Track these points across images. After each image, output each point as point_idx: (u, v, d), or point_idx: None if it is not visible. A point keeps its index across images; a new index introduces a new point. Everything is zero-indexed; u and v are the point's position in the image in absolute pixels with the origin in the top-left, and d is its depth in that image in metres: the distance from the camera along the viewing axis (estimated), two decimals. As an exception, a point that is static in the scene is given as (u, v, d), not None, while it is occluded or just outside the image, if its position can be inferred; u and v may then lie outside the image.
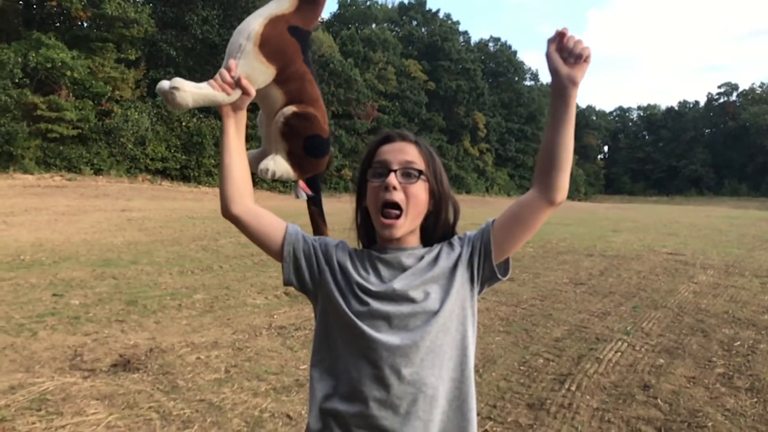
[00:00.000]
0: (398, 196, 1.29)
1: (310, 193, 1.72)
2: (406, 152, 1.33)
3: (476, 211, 25.76)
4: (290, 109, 1.56)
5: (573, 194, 73.88)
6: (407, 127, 49.15)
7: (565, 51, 1.21)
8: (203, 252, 10.35)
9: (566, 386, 4.29)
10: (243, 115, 1.40)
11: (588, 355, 5.11)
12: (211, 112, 32.97)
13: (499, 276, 1.36)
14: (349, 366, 1.27)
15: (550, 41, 1.23)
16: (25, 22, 27.96)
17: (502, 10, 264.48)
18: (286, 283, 1.39)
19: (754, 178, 79.48)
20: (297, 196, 1.71)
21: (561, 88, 1.24)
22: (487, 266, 1.34)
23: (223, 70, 1.32)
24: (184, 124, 30.98)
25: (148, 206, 19.22)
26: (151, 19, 30.51)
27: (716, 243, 16.13)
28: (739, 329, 6.21)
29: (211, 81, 1.31)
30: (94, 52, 28.08)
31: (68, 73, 25.25)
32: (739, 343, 5.67)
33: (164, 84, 1.30)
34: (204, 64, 32.94)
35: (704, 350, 5.38)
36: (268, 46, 1.43)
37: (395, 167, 1.30)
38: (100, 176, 26.04)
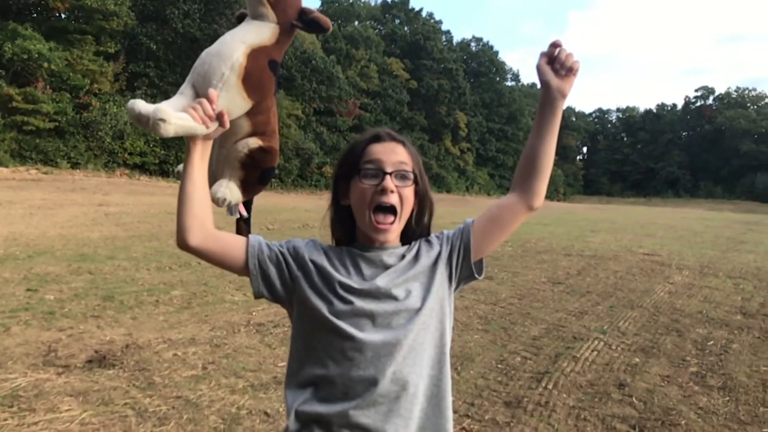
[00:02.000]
0: (394, 199, 1.28)
1: (245, 214, 1.69)
2: (397, 153, 1.31)
3: (456, 210, 25.84)
4: (256, 142, 1.50)
5: (552, 194, 74.48)
6: (389, 126, 48.92)
7: (557, 63, 1.27)
8: (181, 248, 10.24)
9: (543, 384, 4.33)
10: (210, 143, 1.34)
11: (565, 353, 5.16)
12: (191, 106, 32.69)
13: (476, 275, 1.38)
14: (330, 369, 1.25)
15: (542, 54, 1.28)
16: (1, 12, 27.40)
17: (484, 10, 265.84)
18: (257, 295, 1.34)
19: (729, 181, 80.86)
20: (231, 214, 1.65)
21: (550, 100, 1.30)
22: (465, 265, 1.36)
23: (204, 102, 1.25)
24: (163, 118, 30.61)
25: (126, 201, 18.99)
26: (131, 12, 30.11)
27: (692, 244, 16.38)
28: (713, 329, 6.31)
29: (191, 111, 1.24)
30: (72, 44, 27.67)
31: (45, 65, 24.84)
32: (712, 342, 5.76)
33: (146, 108, 1.22)
34: (185, 58, 32.59)
35: (678, 349, 5.46)
36: (250, 80, 1.36)
37: (389, 169, 1.28)
38: (77, 170, 25.65)
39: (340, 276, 1.29)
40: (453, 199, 44.60)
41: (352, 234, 1.38)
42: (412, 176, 1.32)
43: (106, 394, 3.72)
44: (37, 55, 24.29)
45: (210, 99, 1.25)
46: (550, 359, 4.98)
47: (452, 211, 24.83)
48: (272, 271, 1.33)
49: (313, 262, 1.32)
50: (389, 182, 1.27)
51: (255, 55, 1.36)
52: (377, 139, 1.34)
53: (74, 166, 25.86)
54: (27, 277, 7.03)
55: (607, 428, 3.63)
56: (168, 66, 32.36)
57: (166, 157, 30.67)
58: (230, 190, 1.49)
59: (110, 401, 3.62)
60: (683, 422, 3.75)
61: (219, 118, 1.27)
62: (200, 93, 1.29)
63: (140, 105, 1.23)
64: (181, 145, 30.68)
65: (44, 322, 5.25)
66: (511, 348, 5.26)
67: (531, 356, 5.05)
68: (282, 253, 1.34)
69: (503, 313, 6.64)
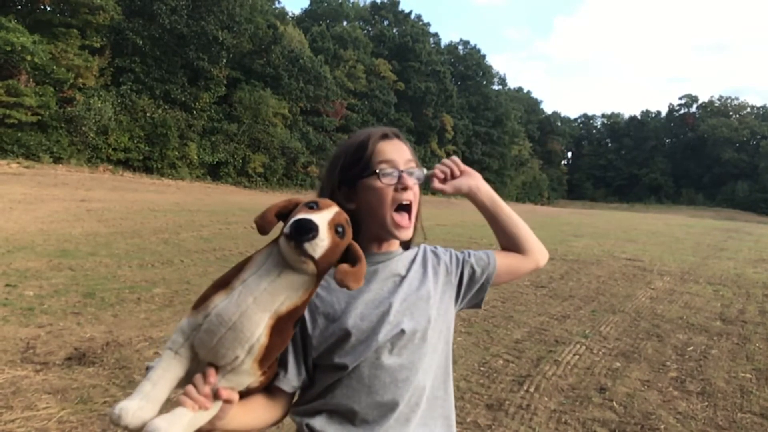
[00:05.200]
0: (412, 197, 1.26)
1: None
2: (405, 151, 1.29)
3: (441, 213, 25.94)
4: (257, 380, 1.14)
5: (536, 198, 75.02)
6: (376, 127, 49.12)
7: (447, 177, 1.38)
8: (164, 245, 10.18)
9: (525, 387, 4.35)
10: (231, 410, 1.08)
11: (547, 357, 5.19)
12: (177, 103, 32.47)
13: (480, 305, 1.43)
14: (347, 399, 1.20)
15: (431, 181, 1.38)
16: (-16, 3, 27.09)
17: (471, 14, 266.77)
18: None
19: (710, 189, 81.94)
20: None
21: (473, 199, 1.43)
22: (478, 296, 1.40)
23: (200, 381, 1.01)
24: (148, 114, 30.44)
25: (109, 197, 18.81)
26: (118, 7, 29.89)
27: (673, 250, 16.54)
28: (692, 335, 6.37)
29: (184, 398, 0.99)
30: (57, 38, 27.37)
31: (28, 57, 24.53)
32: (692, 348, 5.82)
33: (134, 423, 0.95)
34: (171, 54, 32.38)
35: (659, 354, 5.51)
36: (269, 358, 1.07)
37: (403, 167, 1.26)
38: (60, 165, 25.39)
39: (349, 312, 1.21)
40: (438, 201, 44.67)
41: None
42: (420, 176, 1.30)
43: (85, 392, 3.67)
44: (20, 48, 23.98)
45: (207, 376, 1.02)
46: (532, 363, 5.01)
47: (437, 214, 24.90)
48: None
49: (314, 317, 1.22)
50: (408, 180, 1.24)
51: (281, 325, 1.05)
52: (386, 137, 1.29)
53: (56, 160, 25.59)
54: (6, 272, 6.94)
55: (587, 432, 3.66)
56: (154, 62, 32.11)
57: (150, 154, 30.48)
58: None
59: (89, 399, 3.58)
60: (662, 427, 3.79)
61: (217, 395, 1.02)
62: (201, 357, 1.04)
63: (128, 418, 0.94)
64: (165, 142, 30.46)
65: (23, 319, 5.18)
66: (493, 351, 5.28)
67: (513, 359, 5.07)
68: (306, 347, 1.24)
69: (486, 315, 6.66)
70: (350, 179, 1.26)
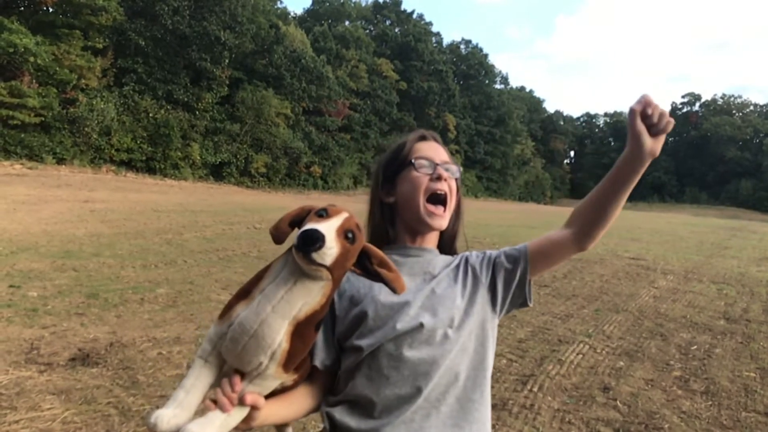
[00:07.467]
0: (446, 188, 1.31)
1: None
2: (442, 152, 1.36)
3: (444, 212, 25.82)
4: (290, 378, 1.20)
5: (539, 197, 74.94)
6: (378, 126, 49.28)
7: (650, 123, 1.17)
8: (167, 246, 10.19)
9: (528, 387, 4.34)
10: (267, 410, 1.12)
11: (550, 356, 5.18)
12: (180, 103, 32.50)
13: (528, 302, 1.36)
14: (366, 389, 1.22)
15: (634, 110, 1.16)
16: (-13, 5, 27.15)
17: (472, 12, 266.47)
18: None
19: (714, 187, 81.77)
20: None
21: (639, 159, 1.19)
22: (518, 293, 1.34)
23: (226, 386, 1.05)
24: (151, 115, 30.48)
25: (112, 198, 18.83)
26: (120, 7, 29.92)
27: (676, 249, 16.51)
28: (696, 334, 6.36)
29: (211, 404, 1.04)
30: (60, 39, 27.42)
31: (31, 59, 24.57)
32: (695, 347, 5.81)
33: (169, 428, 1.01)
34: (173, 55, 32.42)
35: (662, 354, 5.50)
36: (292, 362, 1.10)
37: (438, 162, 1.33)
38: (63, 165, 25.43)
39: (371, 296, 1.26)
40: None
41: (388, 235, 1.37)
42: (457, 172, 1.36)
43: (89, 393, 3.68)
44: (23, 50, 24.02)
45: (233, 384, 1.06)
46: (536, 362, 5.00)
47: (440, 213, 24.84)
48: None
49: (351, 299, 1.28)
50: (442, 170, 1.32)
51: (301, 330, 1.08)
52: (423, 138, 1.39)
53: (60, 161, 25.63)
54: (10, 273, 6.95)
55: (591, 431, 3.65)
56: (156, 62, 32.15)
57: (153, 154, 30.51)
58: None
59: (93, 400, 3.59)
60: (666, 426, 3.78)
61: (243, 402, 1.06)
62: (228, 364, 1.10)
63: (164, 425, 1.00)
64: (168, 143, 30.50)
65: (27, 319, 5.19)
66: (497, 350, 5.24)
67: (517, 359, 5.06)
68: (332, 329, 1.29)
69: (489, 315, 6.64)
70: (390, 175, 1.36)
